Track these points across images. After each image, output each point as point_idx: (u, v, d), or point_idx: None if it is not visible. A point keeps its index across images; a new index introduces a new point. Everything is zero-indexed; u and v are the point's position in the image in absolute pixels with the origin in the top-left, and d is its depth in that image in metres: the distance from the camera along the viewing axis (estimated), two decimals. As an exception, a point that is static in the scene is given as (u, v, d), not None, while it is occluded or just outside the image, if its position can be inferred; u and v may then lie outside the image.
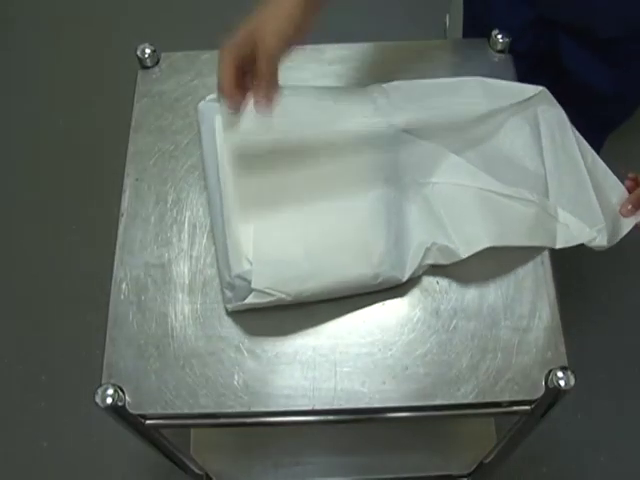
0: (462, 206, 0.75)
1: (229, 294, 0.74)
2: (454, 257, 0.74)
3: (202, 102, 0.84)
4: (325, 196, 0.76)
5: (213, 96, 0.82)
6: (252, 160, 0.77)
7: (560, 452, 1.38)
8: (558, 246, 0.75)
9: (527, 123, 0.82)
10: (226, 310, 0.75)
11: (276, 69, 0.68)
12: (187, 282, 0.77)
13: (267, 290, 0.70)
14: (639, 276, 1.56)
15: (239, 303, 0.72)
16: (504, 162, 0.80)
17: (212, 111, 0.81)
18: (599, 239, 0.76)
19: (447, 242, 0.74)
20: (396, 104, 0.81)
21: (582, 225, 0.76)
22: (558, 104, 0.83)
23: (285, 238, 0.73)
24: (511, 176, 0.78)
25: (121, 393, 0.70)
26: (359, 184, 0.77)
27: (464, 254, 0.73)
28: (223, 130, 0.78)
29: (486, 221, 0.74)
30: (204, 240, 0.79)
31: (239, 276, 0.71)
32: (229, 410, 0.71)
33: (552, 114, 0.83)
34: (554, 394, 0.70)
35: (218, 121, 0.79)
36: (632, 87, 0.98)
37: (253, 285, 0.70)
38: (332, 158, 0.78)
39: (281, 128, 0.78)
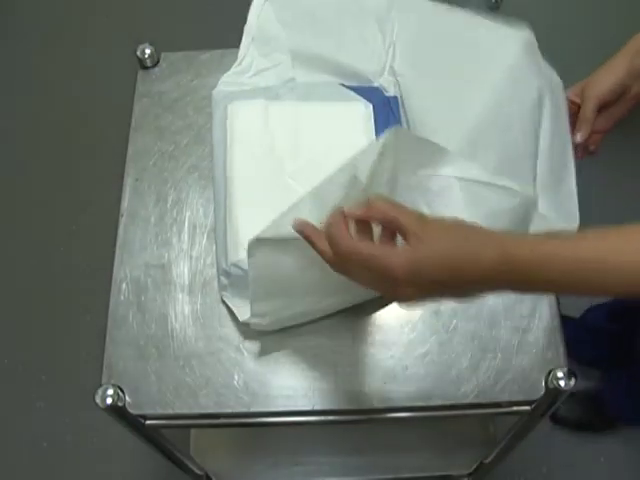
0: (445, 199, 0.72)
1: (225, 281, 0.74)
2: None
3: (215, 89, 0.85)
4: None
5: (225, 80, 0.85)
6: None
7: (560, 452, 1.38)
8: (530, 231, 0.73)
9: (531, 96, 0.79)
10: (225, 306, 0.75)
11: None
12: (187, 282, 0.77)
13: (262, 328, 0.72)
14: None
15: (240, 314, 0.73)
16: (495, 134, 0.78)
17: (225, 99, 0.83)
18: (570, 230, 0.75)
19: None
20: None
21: (558, 218, 0.75)
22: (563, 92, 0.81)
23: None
24: (499, 152, 0.76)
25: (121, 393, 0.70)
26: None
27: None
28: (235, 122, 0.80)
29: (467, 214, 0.73)
30: (204, 240, 0.79)
31: (235, 264, 0.71)
32: (229, 410, 0.71)
33: (557, 98, 0.81)
34: (554, 394, 0.70)
35: (230, 110, 0.80)
36: None
37: (251, 325, 0.71)
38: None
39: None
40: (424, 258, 0.53)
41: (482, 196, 0.72)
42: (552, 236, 0.56)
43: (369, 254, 0.54)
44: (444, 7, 0.86)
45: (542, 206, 0.75)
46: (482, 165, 0.73)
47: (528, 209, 0.74)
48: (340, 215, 0.56)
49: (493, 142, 0.78)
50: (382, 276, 0.54)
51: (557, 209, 0.76)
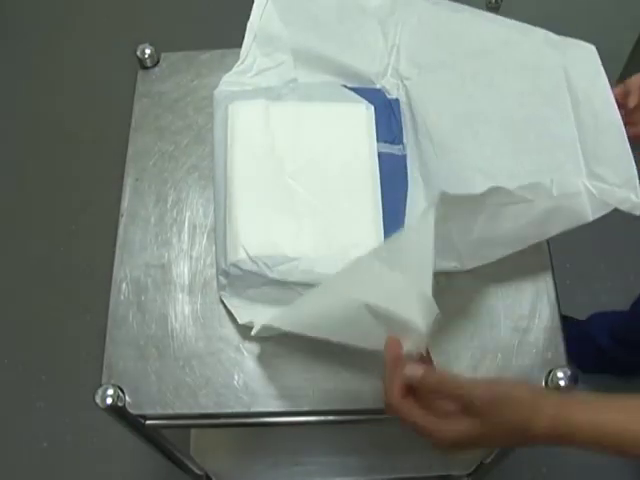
0: (474, 230, 0.70)
1: (224, 281, 0.74)
2: (457, 270, 0.74)
3: (217, 89, 0.85)
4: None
5: (227, 80, 0.85)
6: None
7: (560, 452, 1.37)
8: (591, 219, 0.71)
9: (555, 81, 0.78)
10: (224, 306, 0.75)
11: None
12: (187, 282, 0.77)
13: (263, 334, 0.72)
14: (639, 276, 1.56)
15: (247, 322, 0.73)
16: (526, 124, 0.77)
17: (226, 99, 0.83)
18: (633, 197, 0.71)
19: (455, 263, 0.73)
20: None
21: (610, 188, 0.71)
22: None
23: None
24: (535, 145, 0.75)
25: (121, 393, 0.70)
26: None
27: (468, 267, 0.73)
28: (236, 122, 0.80)
29: (499, 241, 0.71)
30: (204, 240, 0.79)
31: (234, 264, 0.71)
32: (229, 410, 0.71)
33: (583, 63, 0.79)
34: (554, 394, 0.70)
35: (230, 110, 0.80)
36: None
37: (253, 333, 0.71)
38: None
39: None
40: (480, 435, 0.55)
41: (512, 218, 0.70)
42: (613, 407, 0.55)
43: (416, 423, 0.57)
44: (446, 8, 0.86)
45: (590, 187, 0.72)
46: (520, 170, 0.73)
47: (567, 204, 0.71)
48: (396, 369, 0.58)
49: (526, 143, 0.76)
50: (428, 439, 0.57)
51: (609, 177, 0.72)
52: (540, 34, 0.81)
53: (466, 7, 0.85)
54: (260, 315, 0.72)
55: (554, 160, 0.75)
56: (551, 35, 0.81)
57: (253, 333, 0.70)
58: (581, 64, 0.78)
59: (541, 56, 0.80)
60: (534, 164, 0.75)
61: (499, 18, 0.84)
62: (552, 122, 0.76)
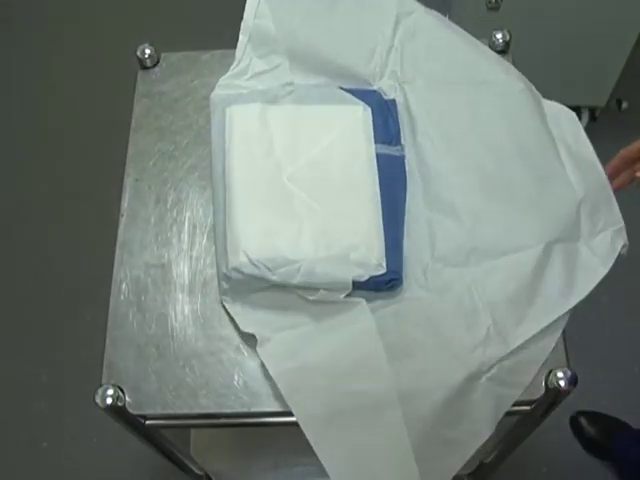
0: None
1: (225, 286, 0.74)
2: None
3: (213, 92, 0.85)
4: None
5: (222, 83, 0.85)
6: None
7: (560, 452, 1.38)
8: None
9: (540, 121, 0.80)
10: (224, 307, 0.75)
11: None
12: (187, 282, 0.77)
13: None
14: (639, 277, 1.56)
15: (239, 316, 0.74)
16: (522, 166, 0.78)
17: (223, 102, 0.82)
18: (620, 241, 0.77)
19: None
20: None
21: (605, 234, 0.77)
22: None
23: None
24: (536, 184, 0.76)
25: (121, 393, 0.70)
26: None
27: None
28: (233, 126, 0.80)
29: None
30: (204, 240, 0.79)
31: (235, 268, 0.71)
32: (229, 410, 0.71)
33: (562, 113, 0.82)
34: (554, 394, 0.70)
35: (228, 114, 0.80)
36: None
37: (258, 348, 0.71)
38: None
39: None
40: None
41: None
42: None
43: None
44: (444, 25, 0.86)
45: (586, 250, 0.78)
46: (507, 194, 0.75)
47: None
48: None
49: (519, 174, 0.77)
50: None
51: (599, 222, 0.77)
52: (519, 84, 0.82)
53: (460, 30, 0.86)
54: (263, 324, 0.72)
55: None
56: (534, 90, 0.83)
57: (258, 349, 0.70)
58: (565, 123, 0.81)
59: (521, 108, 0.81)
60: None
61: (487, 50, 0.86)
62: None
